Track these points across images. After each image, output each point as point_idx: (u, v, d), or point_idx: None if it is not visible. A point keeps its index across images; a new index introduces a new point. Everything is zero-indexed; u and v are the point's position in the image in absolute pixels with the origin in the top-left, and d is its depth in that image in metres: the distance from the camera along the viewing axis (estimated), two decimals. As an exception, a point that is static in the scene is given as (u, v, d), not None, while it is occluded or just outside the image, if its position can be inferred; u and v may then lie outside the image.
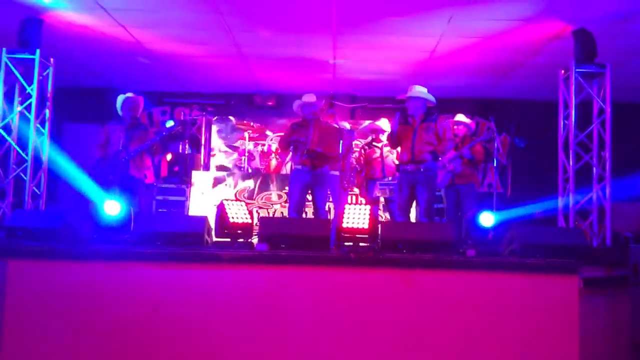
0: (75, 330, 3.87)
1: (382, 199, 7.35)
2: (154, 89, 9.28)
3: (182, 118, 9.51)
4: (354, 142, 8.14)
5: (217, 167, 9.48)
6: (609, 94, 6.28)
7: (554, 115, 6.64)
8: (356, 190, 7.80)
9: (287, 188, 7.60)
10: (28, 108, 6.39)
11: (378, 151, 7.42)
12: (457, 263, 4.05)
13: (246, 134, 8.96)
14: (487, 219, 5.45)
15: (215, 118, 9.69)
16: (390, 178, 7.13)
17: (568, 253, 4.26)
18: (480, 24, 6.49)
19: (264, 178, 8.33)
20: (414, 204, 6.00)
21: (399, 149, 6.20)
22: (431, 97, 5.89)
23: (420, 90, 5.90)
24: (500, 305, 3.91)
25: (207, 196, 8.06)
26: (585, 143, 6.38)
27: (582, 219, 6.31)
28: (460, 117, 6.89)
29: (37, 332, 3.86)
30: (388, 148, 7.17)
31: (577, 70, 6.28)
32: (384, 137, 7.19)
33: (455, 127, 6.74)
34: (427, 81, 8.00)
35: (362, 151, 7.82)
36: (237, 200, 6.53)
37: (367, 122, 8.94)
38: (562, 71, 6.52)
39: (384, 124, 7.51)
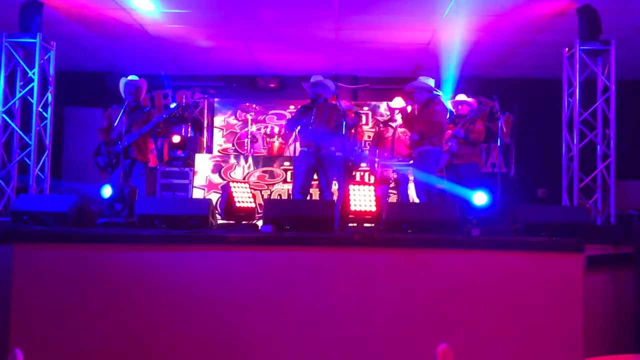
0: (83, 313, 3.90)
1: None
2: (156, 72, 9.24)
3: (184, 101, 9.48)
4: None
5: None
6: (613, 71, 6.22)
7: (558, 93, 6.61)
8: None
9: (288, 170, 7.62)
10: (30, 92, 6.38)
11: (391, 131, 7.29)
12: (461, 242, 4.06)
13: (249, 116, 8.96)
14: (480, 198, 5.36)
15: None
16: (396, 160, 7.05)
17: (573, 231, 4.27)
18: (485, 1, 6.41)
19: (266, 160, 8.34)
20: None
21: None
22: (432, 84, 6.27)
23: (423, 82, 6.29)
24: (505, 284, 3.92)
25: (210, 179, 8.09)
26: (589, 121, 6.35)
27: (586, 197, 6.30)
28: (461, 97, 6.83)
29: (45, 316, 3.89)
30: (402, 130, 7.09)
31: (582, 47, 6.22)
32: (399, 117, 7.14)
33: (459, 107, 6.71)
34: (430, 61, 7.96)
35: (377, 128, 7.74)
36: (241, 182, 6.53)
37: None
38: (566, 49, 6.46)
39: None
